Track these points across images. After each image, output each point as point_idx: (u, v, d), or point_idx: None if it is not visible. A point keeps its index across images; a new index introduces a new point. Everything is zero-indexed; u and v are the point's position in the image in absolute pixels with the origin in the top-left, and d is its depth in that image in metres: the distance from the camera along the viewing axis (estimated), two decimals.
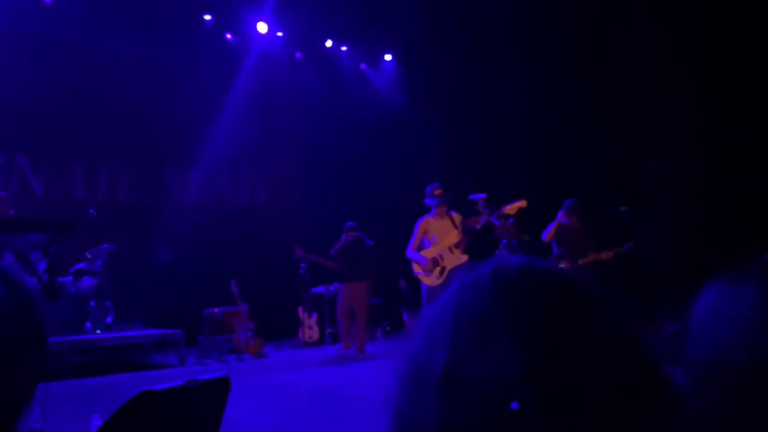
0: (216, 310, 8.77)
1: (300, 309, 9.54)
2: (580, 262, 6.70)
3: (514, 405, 0.54)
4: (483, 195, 6.21)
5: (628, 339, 0.61)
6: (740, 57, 8.30)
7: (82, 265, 7.62)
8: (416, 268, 6.49)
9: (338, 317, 8.80)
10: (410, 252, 6.53)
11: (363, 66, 12.21)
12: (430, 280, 6.29)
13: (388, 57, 12.15)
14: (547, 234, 6.86)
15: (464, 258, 6.26)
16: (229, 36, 10.74)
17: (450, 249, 6.29)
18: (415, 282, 6.72)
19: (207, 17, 10.28)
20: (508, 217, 6.08)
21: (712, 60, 8.46)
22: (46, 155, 9.08)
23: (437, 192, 6.39)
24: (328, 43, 11.58)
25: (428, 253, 6.38)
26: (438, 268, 6.28)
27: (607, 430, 0.55)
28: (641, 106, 9.41)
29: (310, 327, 9.53)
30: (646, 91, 9.34)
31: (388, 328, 10.42)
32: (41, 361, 0.55)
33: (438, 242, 6.38)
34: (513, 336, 0.57)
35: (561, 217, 6.93)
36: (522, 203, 6.18)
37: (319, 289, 9.64)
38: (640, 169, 9.34)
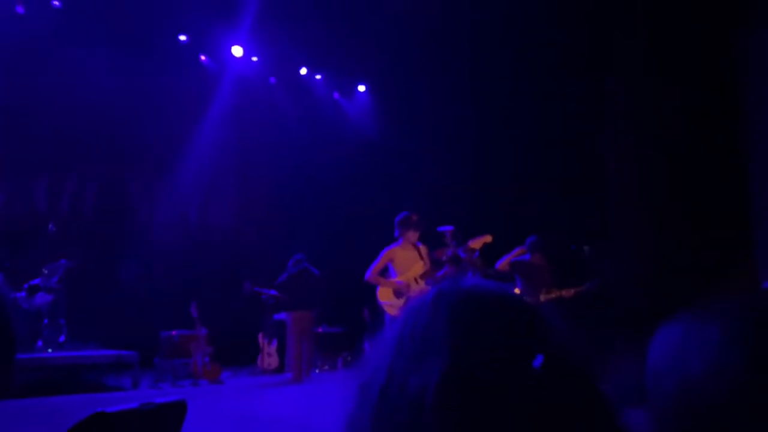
0: (174, 332, 8.59)
1: (260, 335, 9.40)
2: (542, 298, 6.76)
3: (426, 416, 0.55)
4: (451, 227, 6.25)
5: (569, 361, 0.62)
6: (711, 85, 8.55)
7: (37, 281, 7.41)
8: (381, 297, 6.42)
9: (288, 346, 8.89)
10: (372, 276, 6.44)
11: (336, 95, 12.30)
12: (394, 309, 6.25)
13: (361, 87, 12.27)
14: (500, 264, 6.92)
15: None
16: (203, 58, 10.73)
17: (416, 279, 6.28)
18: (379, 311, 6.69)
19: (182, 38, 10.27)
20: (474, 250, 6.12)
21: (683, 81, 8.68)
22: (8, 166, 8.87)
23: (406, 222, 6.40)
24: (303, 71, 11.65)
25: (392, 283, 6.36)
26: (403, 299, 6.25)
27: None
28: (608, 140, 9.61)
29: (270, 354, 9.39)
30: (612, 124, 9.57)
31: (349, 357, 10.32)
32: (9, 374, 0.54)
33: (403, 272, 6.36)
34: (442, 352, 0.58)
35: (519, 251, 7.00)
36: (487, 238, 6.24)
37: (281, 316, 9.52)
38: (604, 206, 9.51)
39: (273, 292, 9.01)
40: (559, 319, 0.64)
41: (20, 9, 8.73)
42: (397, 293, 6.29)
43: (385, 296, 6.38)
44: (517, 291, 6.77)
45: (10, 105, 8.52)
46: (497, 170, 10.15)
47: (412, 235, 6.37)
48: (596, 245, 6.77)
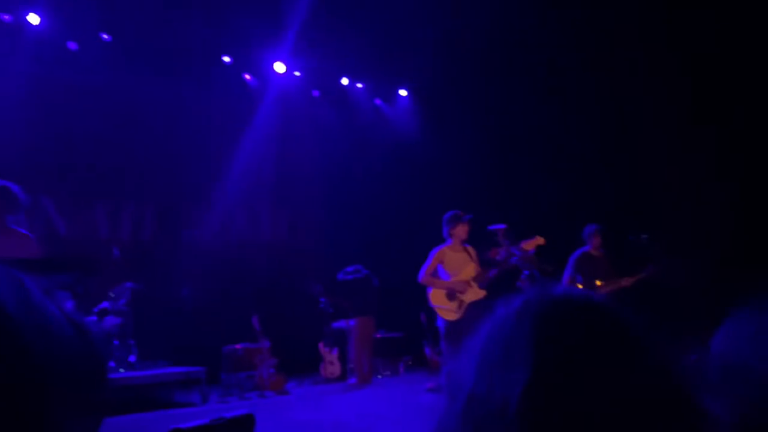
0: (238, 346, 8.77)
1: (321, 344, 9.50)
2: (601, 289, 6.63)
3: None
4: (503, 226, 6.17)
5: (660, 365, 0.62)
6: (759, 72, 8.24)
7: (105, 305, 7.69)
8: (433, 300, 6.36)
9: (350, 352, 9.12)
10: (426, 277, 6.36)
11: (378, 101, 12.36)
12: (448, 313, 6.17)
13: (403, 92, 12.30)
14: (567, 278, 6.80)
15: (482, 293, 6.16)
16: (247, 76, 10.96)
17: (468, 282, 6.20)
18: (437, 315, 6.64)
19: (226, 59, 10.51)
20: (528, 248, 6.02)
21: (732, 79, 8.42)
22: (69, 196, 9.25)
23: (454, 220, 6.33)
24: (344, 81, 11.76)
25: (446, 284, 6.29)
26: (456, 302, 6.18)
27: None
28: (660, 130, 9.37)
29: (332, 362, 9.48)
30: (665, 115, 9.32)
31: (410, 362, 10.33)
32: (106, 398, 0.59)
33: (455, 274, 6.29)
34: (526, 362, 0.59)
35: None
36: (539, 240, 6.10)
37: (340, 323, 9.61)
38: (661, 193, 9.26)
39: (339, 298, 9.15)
40: (647, 326, 0.64)
41: (72, 45, 9.12)
42: (450, 296, 6.22)
43: (437, 299, 6.28)
44: (579, 286, 6.67)
45: (68, 137, 8.89)
46: (544, 169, 10.01)
47: (461, 234, 6.28)
48: (654, 234, 6.60)
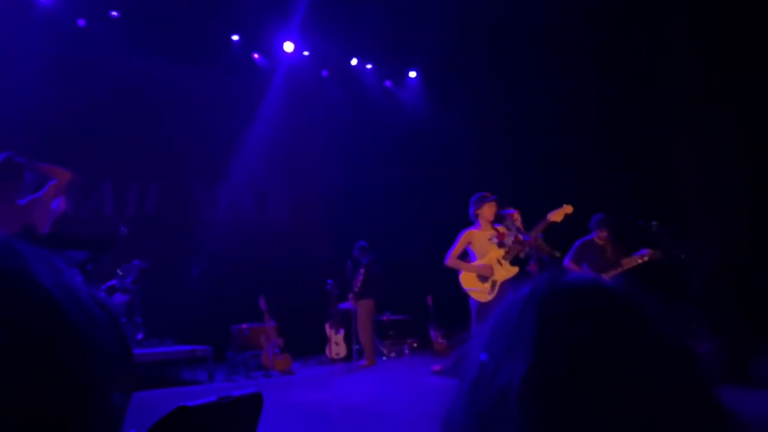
0: (244, 326, 8.82)
1: (327, 325, 9.55)
2: (606, 276, 6.58)
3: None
4: (513, 210, 6.13)
5: (673, 352, 0.61)
6: None
7: (113, 282, 7.73)
8: (465, 284, 6.24)
9: (360, 333, 9.22)
10: (452, 260, 6.25)
11: (388, 83, 12.30)
12: (481, 295, 6.11)
13: (412, 74, 12.22)
14: (569, 262, 6.77)
15: (515, 270, 6.10)
16: (256, 56, 10.91)
17: (499, 261, 6.15)
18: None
19: (235, 37, 10.46)
20: (538, 233, 5.98)
21: (746, 59, 8.30)
22: (75, 173, 9.25)
23: (480, 201, 6.25)
24: (354, 62, 11.69)
25: (474, 267, 6.21)
26: (488, 283, 6.12)
27: None
28: (674, 111, 9.28)
29: (337, 343, 9.53)
30: (679, 96, 9.22)
31: (415, 345, 10.38)
32: (133, 377, 0.61)
33: (483, 255, 6.22)
34: (528, 347, 0.59)
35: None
36: (567, 208, 6.03)
37: (346, 305, 9.65)
38: (674, 179, 9.20)
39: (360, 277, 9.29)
40: (658, 309, 0.63)
41: (81, 22, 9.09)
42: (482, 278, 6.15)
43: (469, 282, 6.18)
44: None
45: (75, 114, 8.87)
46: (556, 151, 9.94)
47: (488, 215, 6.20)
48: (665, 222, 6.55)
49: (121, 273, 7.90)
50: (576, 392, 0.56)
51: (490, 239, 6.19)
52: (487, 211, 6.18)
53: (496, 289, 6.04)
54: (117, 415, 0.58)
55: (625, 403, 0.56)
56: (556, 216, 5.99)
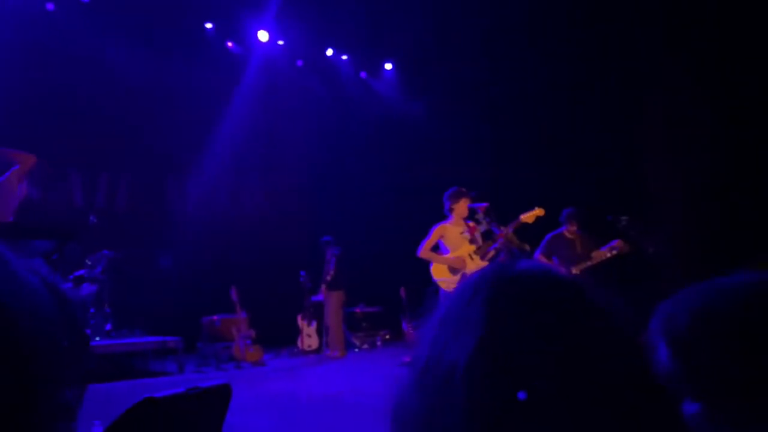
0: (215, 317, 8.76)
1: (299, 317, 9.53)
2: (575, 270, 6.69)
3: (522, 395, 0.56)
4: (484, 204, 6.19)
5: (616, 335, 0.62)
6: (746, 56, 8.27)
7: (82, 272, 7.61)
8: (435, 274, 6.32)
9: (331, 325, 9.19)
10: (425, 252, 6.31)
11: (363, 74, 12.26)
12: (451, 285, 6.17)
13: (388, 66, 12.20)
14: (540, 254, 6.87)
15: (485, 264, 6.19)
16: (230, 44, 10.78)
17: (470, 256, 6.24)
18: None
19: (208, 25, 10.33)
20: (508, 227, 6.06)
21: (717, 60, 8.44)
22: (43, 161, 9.05)
23: (456, 196, 6.31)
24: (329, 52, 11.63)
25: (446, 260, 6.29)
26: (459, 275, 6.20)
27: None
28: (644, 109, 9.41)
29: (309, 335, 9.52)
30: (648, 92, 9.35)
31: (388, 336, 10.41)
32: (88, 365, 0.59)
33: (455, 249, 6.31)
34: (476, 328, 0.60)
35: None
36: (539, 211, 6.16)
37: (319, 297, 9.64)
38: (643, 175, 9.33)
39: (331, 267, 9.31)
40: (606, 294, 0.64)
41: (50, 6, 8.88)
42: (453, 270, 6.24)
43: (440, 273, 6.28)
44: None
45: (42, 101, 8.69)
46: (531, 144, 10.02)
47: (463, 211, 6.28)
48: (636, 215, 6.65)
49: (90, 263, 7.78)
50: (520, 373, 0.57)
51: (462, 233, 6.26)
52: (462, 206, 6.26)
53: None
54: (68, 412, 0.56)
55: (566, 387, 0.57)
56: (528, 218, 6.12)
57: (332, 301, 9.21)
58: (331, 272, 9.25)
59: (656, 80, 9.15)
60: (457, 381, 0.58)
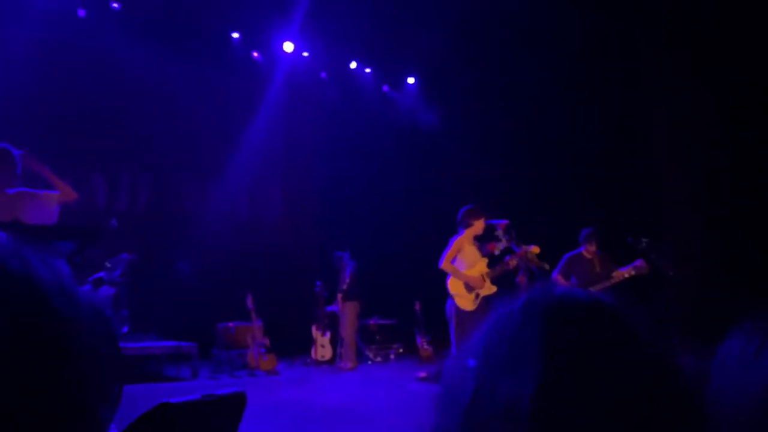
0: (230, 324, 8.78)
1: (313, 327, 9.53)
2: (593, 290, 6.63)
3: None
4: (504, 221, 6.14)
5: (669, 368, 0.61)
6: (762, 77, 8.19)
7: (101, 274, 7.68)
8: (451, 288, 6.21)
9: (346, 336, 9.19)
10: (446, 264, 6.20)
11: (386, 88, 12.32)
12: (465, 302, 6.13)
13: (411, 80, 12.25)
14: (557, 274, 6.81)
15: (495, 288, 6.19)
16: (255, 54, 10.90)
17: (483, 277, 6.20)
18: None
19: (235, 35, 10.45)
20: (528, 245, 6.00)
21: (733, 83, 8.38)
22: (68, 163, 9.19)
23: (472, 214, 6.26)
24: (353, 65, 11.70)
25: (465, 276, 6.24)
26: (473, 294, 6.16)
27: None
28: (662, 130, 9.34)
29: (323, 345, 9.50)
30: (668, 114, 9.28)
31: (401, 350, 10.36)
32: (122, 367, 0.59)
33: (470, 266, 6.26)
34: (535, 362, 0.59)
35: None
36: (534, 249, 6.07)
37: (334, 307, 9.64)
38: (660, 198, 9.24)
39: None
40: (654, 327, 0.64)
41: (81, 12, 9.04)
42: (468, 287, 6.19)
43: (456, 287, 6.21)
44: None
45: (69, 104, 8.84)
46: (553, 160, 9.98)
47: (479, 229, 6.22)
48: (654, 237, 6.59)
49: (109, 265, 7.85)
50: (587, 403, 0.57)
51: (478, 250, 6.24)
52: (479, 225, 6.19)
53: (479, 301, 6.09)
54: (101, 427, 0.56)
55: (627, 414, 0.57)
56: (526, 253, 6.00)
57: (348, 312, 9.20)
58: (347, 281, 9.24)
59: (680, 99, 9.09)
60: (523, 418, 0.57)
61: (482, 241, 6.32)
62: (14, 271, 0.51)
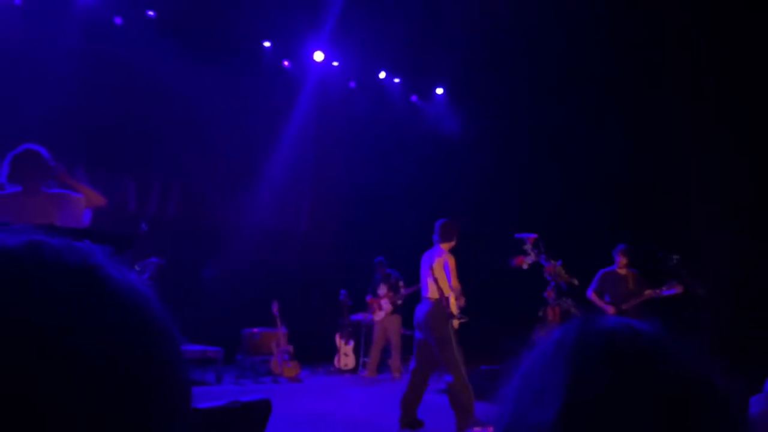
0: (255, 330, 8.84)
1: (337, 336, 9.55)
2: (624, 306, 6.56)
3: None
4: (533, 235, 6.06)
5: (707, 397, 0.61)
6: None
7: None
8: (453, 308, 5.99)
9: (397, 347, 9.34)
10: (457, 285, 5.99)
11: (414, 98, 12.35)
12: (455, 323, 5.87)
13: (439, 90, 12.27)
14: (591, 293, 6.76)
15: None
16: (286, 63, 11.01)
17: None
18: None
19: (266, 44, 10.58)
20: (557, 258, 5.93)
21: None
22: (102, 168, 9.38)
23: (457, 229, 5.93)
24: (382, 75, 11.76)
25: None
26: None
27: None
28: (694, 150, 9.22)
29: (346, 354, 9.51)
30: (700, 130, 9.16)
31: None
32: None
33: (455, 279, 5.99)
34: (560, 389, 0.59)
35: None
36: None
37: (358, 316, 9.64)
38: (690, 215, 9.11)
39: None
40: (692, 352, 0.63)
41: (118, 20, 9.24)
42: (459, 306, 5.93)
43: (455, 307, 5.94)
44: (607, 304, 6.59)
45: (103, 110, 9.00)
46: (578, 174, 9.89)
47: (454, 243, 5.88)
48: (685, 255, 6.49)
49: (138, 269, 7.96)
50: None
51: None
52: (456, 240, 5.91)
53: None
54: None
55: None
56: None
57: (397, 324, 9.31)
58: (403, 294, 9.30)
59: (712, 115, 8.96)
60: None
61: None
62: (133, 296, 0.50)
